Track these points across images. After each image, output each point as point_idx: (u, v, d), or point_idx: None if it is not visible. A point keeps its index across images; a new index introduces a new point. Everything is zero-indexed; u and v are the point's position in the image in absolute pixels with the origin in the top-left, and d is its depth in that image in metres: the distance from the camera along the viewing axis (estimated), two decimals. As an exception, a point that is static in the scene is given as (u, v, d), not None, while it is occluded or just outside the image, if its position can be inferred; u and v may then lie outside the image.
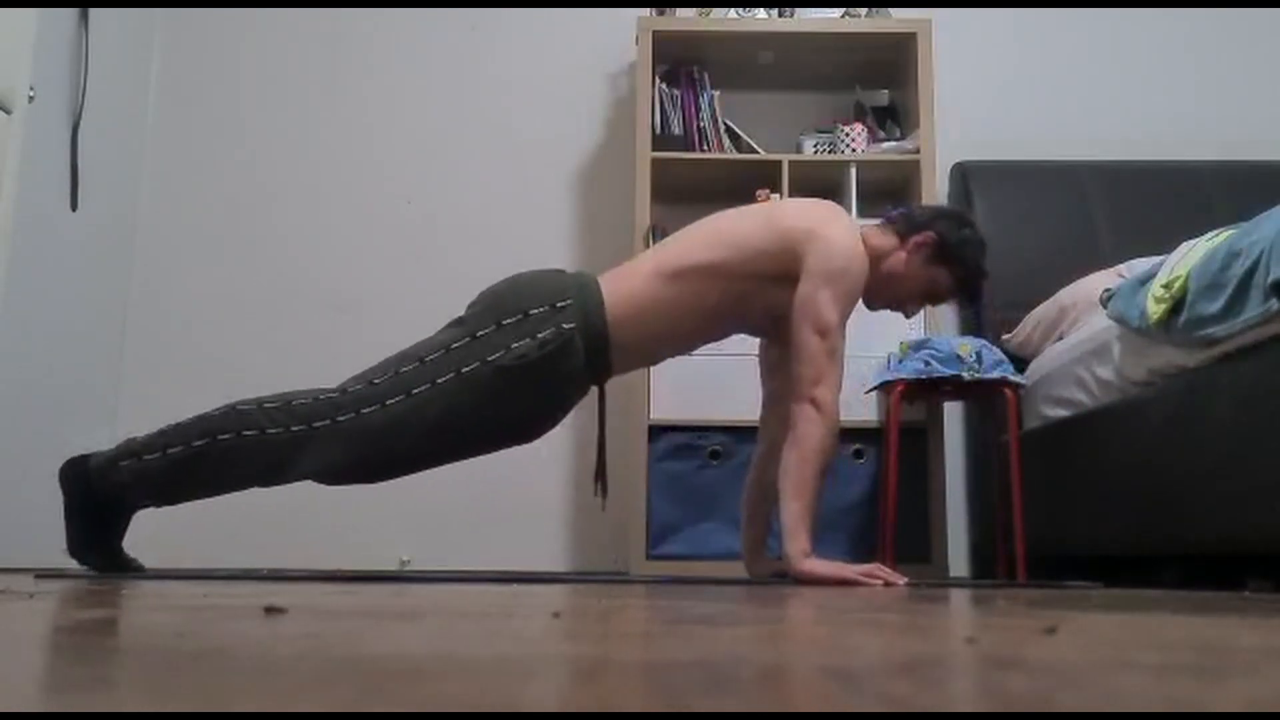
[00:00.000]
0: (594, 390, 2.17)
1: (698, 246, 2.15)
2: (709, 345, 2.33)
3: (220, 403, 2.06)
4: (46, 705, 0.39)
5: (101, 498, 2.01)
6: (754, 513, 2.38)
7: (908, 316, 2.36)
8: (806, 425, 2.05)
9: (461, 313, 2.11)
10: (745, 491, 2.41)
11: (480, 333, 2.01)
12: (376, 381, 2.00)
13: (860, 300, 2.19)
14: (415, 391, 1.98)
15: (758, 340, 2.38)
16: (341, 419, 1.97)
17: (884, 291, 2.25)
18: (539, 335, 2.00)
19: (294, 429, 1.97)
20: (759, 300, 2.14)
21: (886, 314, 2.54)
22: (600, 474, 2.28)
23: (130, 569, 2.07)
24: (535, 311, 2.02)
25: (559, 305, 2.03)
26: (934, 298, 2.32)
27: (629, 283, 2.12)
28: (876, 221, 2.33)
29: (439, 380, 1.98)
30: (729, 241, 2.14)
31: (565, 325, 2.01)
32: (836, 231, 2.12)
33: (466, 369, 1.98)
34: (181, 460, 1.97)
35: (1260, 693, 0.46)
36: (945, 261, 2.24)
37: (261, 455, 1.97)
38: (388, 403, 1.98)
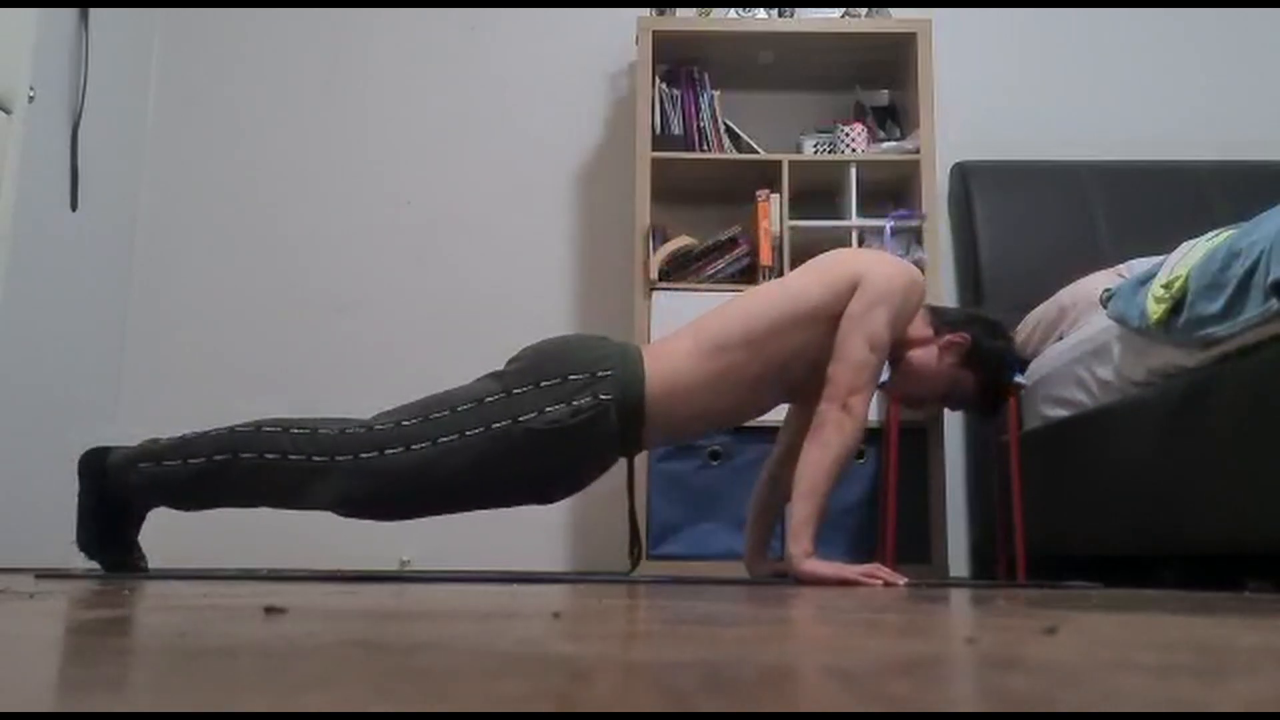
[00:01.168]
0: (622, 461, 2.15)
1: (740, 317, 2.12)
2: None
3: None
4: (47, 705, 0.39)
5: (114, 495, 2.01)
6: (761, 514, 2.38)
7: (923, 415, 2.35)
8: (835, 429, 2.03)
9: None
10: (755, 490, 2.40)
11: (516, 390, 1.99)
12: (405, 423, 1.99)
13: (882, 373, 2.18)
14: (442, 440, 1.96)
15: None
16: (365, 456, 1.96)
17: (906, 381, 2.25)
18: (575, 402, 1.97)
19: (316, 459, 1.96)
20: (805, 357, 2.09)
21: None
22: (634, 544, 2.25)
23: (135, 569, 2.07)
24: (575, 378, 1.99)
25: (599, 374, 2.01)
26: (953, 401, 2.31)
27: (671, 360, 2.08)
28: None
29: (467, 432, 1.97)
30: (782, 296, 2.12)
31: (603, 396, 1.98)
32: (895, 262, 2.16)
33: (497, 425, 1.96)
34: (200, 472, 1.97)
35: (1260, 693, 0.46)
36: (973, 368, 2.22)
37: (280, 479, 1.97)
38: (413, 447, 1.96)
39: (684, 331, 2.16)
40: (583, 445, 2.00)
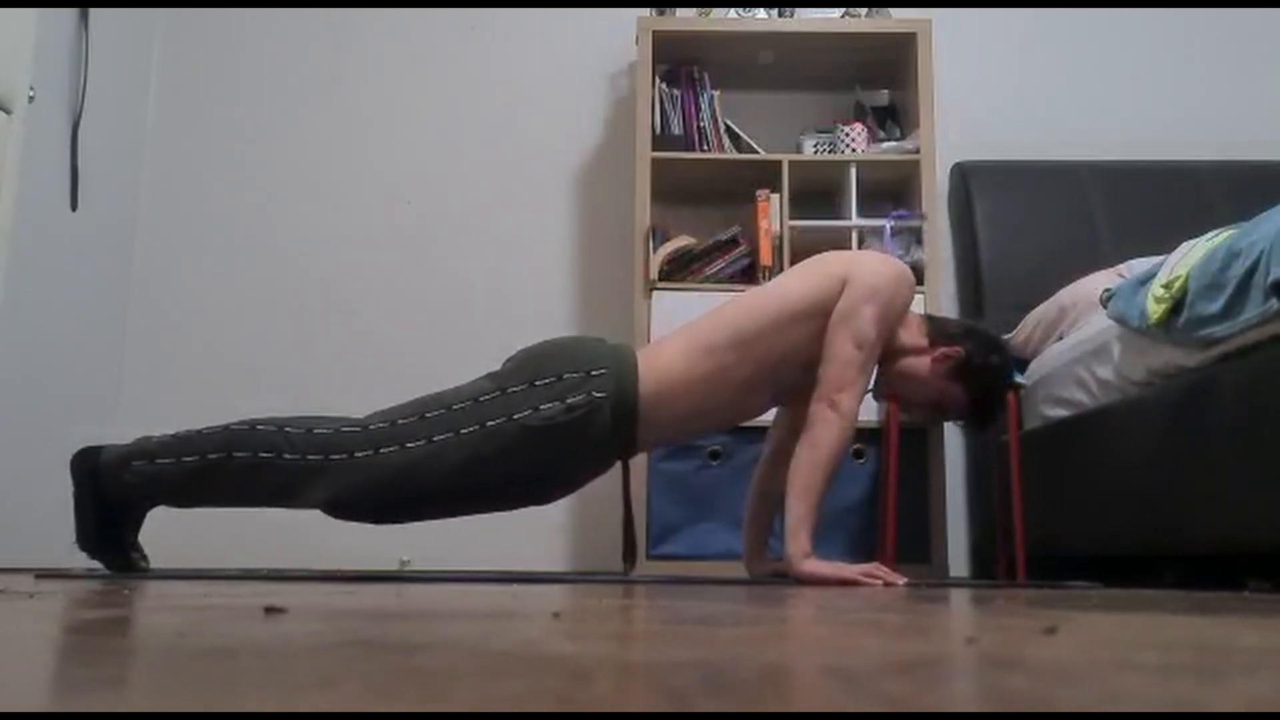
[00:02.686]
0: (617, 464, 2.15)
1: (731, 316, 2.13)
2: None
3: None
4: (47, 705, 0.39)
5: (110, 494, 2.01)
6: (757, 514, 2.38)
7: (917, 420, 2.35)
8: (824, 427, 2.04)
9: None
10: (750, 491, 2.40)
11: (511, 389, 2.00)
12: (400, 422, 1.99)
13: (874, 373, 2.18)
14: (437, 438, 1.96)
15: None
16: (359, 455, 1.96)
17: (895, 385, 2.24)
18: (569, 400, 1.98)
19: (310, 457, 1.96)
20: (797, 358, 2.10)
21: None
22: (628, 549, 2.25)
23: (135, 569, 2.07)
24: (569, 376, 2.00)
25: (593, 373, 2.01)
26: (942, 412, 2.31)
27: (664, 360, 2.09)
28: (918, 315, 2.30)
29: (462, 431, 1.97)
30: (770, 298, 2.13)
31: (596, 394, 1.99)
32: (883, 259, 2.17)
33: (491, 423, 1.97)
34: (194, 470, 1.97)
35: (1260, 693, 0.46)
36: (965, 381, 2.21)
37: (274, 478, 1.96)
38: (408, 445, 1.96)
39: (678, 333, 2.17)
40: (577, 443, 2.00)
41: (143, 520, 2.09)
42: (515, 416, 1.97)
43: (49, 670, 0.52)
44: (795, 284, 2.15)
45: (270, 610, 0.92)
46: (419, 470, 1.96)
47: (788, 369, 2.11)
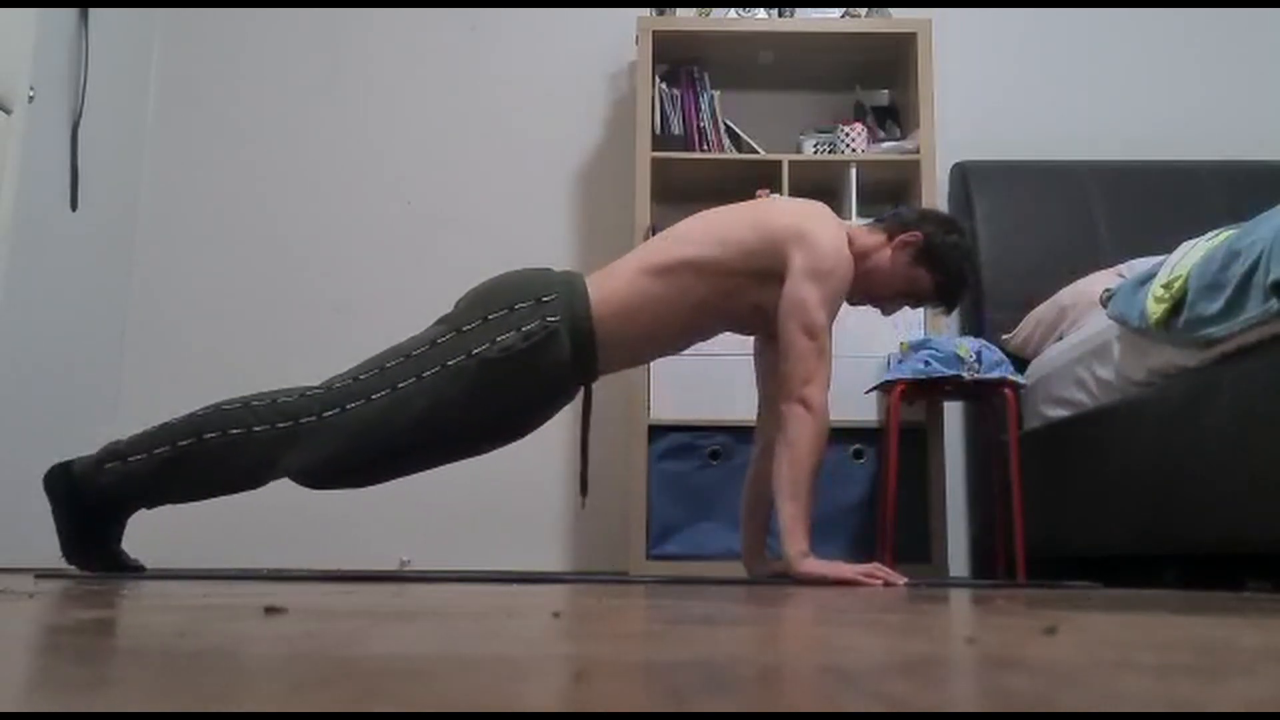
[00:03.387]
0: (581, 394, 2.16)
1: (683, 243, 2.15)
2: (706, 345, 2.33)
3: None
4: (47, 705, 0.39)
5: (89, 501, 2.00)
6: (752, 513, 2.38)
7: (885, 314, 2.36)
8: (798, 426, 2.05)
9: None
10: (743, 492, 2.41)
11: (466, 327, 2.02)
12: (362, 377, 2.01)
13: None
14: (400, 386, 1.98)
15: (752, 340, 2.38)
16: (327, 414, 1.97)
17: (864, 286, 2.24)
18: (524, 328, 2.00)
19: (280, 425, 1.97)
20: (746, 297, 2.14)
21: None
22: (583, 477, 2.26)
23: (128, 565, 2.07)
24: (521, 306, 2.03)
25: (544, 299, 2.04)
26: (913, 299, 2.30)
27: (615, 280, 2.12)
28: (867, 221, 2.33)
29: (424, 374, 1.99)
30: (716, 238, 2.15)
31: (550, 319, 2.02)
32: (823, 231, 2.13)
33: (452, 362, 1.99)
34: (167, 460, 1.97)
35: (1260, 693, 0.46)
36: (928, 264, 2.22)
37: (248, 453, 1.97)
38: (373, 397, 1.98)
39: (629, 255, 2.21)
40: (539, 369, 2.01)
41: (123, 529, 2.08)
42: (474, 352, 1.99)
43: (49, 670, 0.52)
44: (750, 229, 2.14)
45: (270, 610, 0.92)
46: (388, 420, 1.97)
47: (740, 301, 2.14)
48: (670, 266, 2.11)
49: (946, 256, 2.23)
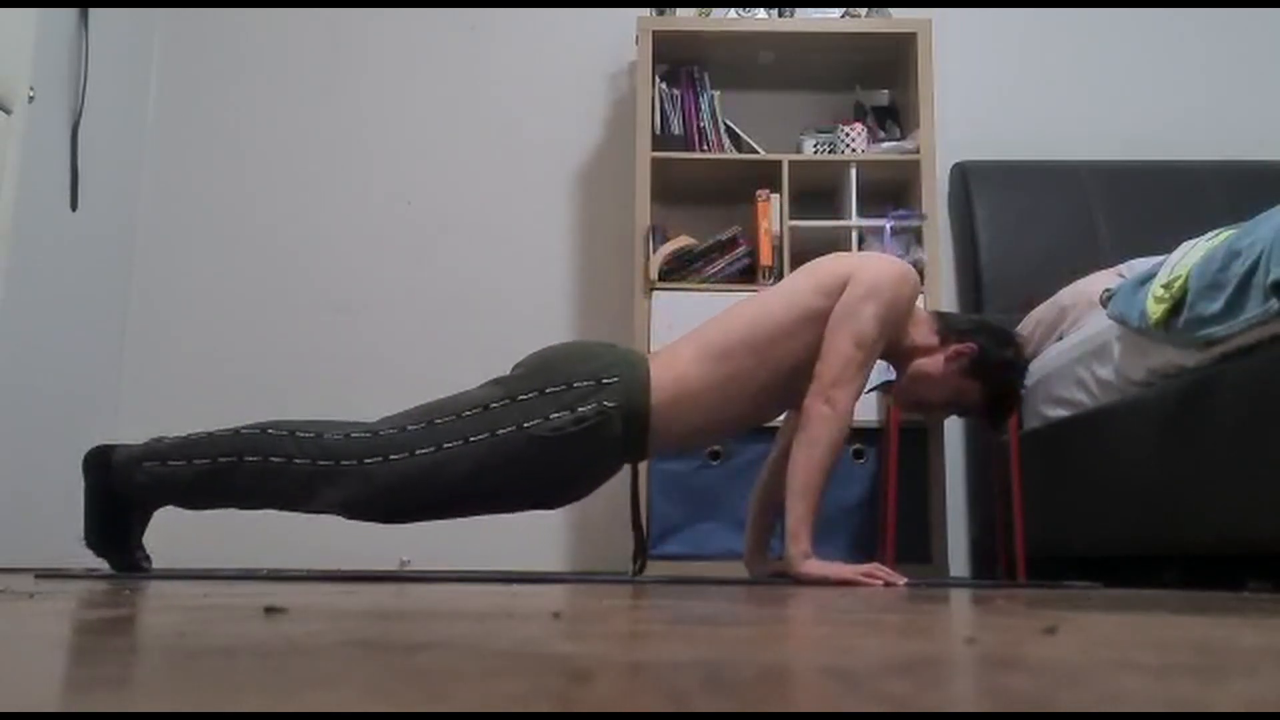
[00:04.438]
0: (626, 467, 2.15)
1: (742, 321, 2.12)
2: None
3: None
4: (48, 705, 0.39)
5: (121, 493, 2.01)
6: (760, 514, 2.38)
7: (928, 423, 2.33)
8: (820, 424, 2.02)
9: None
10: (755, 491, 2.40)
11: (521, 397, 1.99)
12: (410, 429, 1.99)
13: (888, 365, 2.19)
14: (446, 446, 1.96)
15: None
16: (369, 462, 1.96)
17: (912, 389, 2.22)
18: (579, 410, 1.97)
19: (321, 463, 1.96)
20: (810, 360, 2.07)
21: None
22: (639, 551, 2.23)
23: (138, 569, 2.07)
24: (580, 385, 2.00)
25: (604, 381, 2.00)
26: (960, 410, 2.29)
27: (676, 367, 2.07)
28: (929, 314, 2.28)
29: (471, 438, 1.97)
30: (780, 301, 2.11)
31: (607, 403, 1.98)
32: (886, 259, 2.15)
33: (501, 431, 1.96)
34: (205, 473, 1.97)
35: (1260, 693, 0.46)
36: (980, 378, 2.18)
37: (285, 483, 1.97)
38: (417, 452, 1.96)
39: (687, 339, 2.15)
40: (587, 453, 2.00)
41: (149, 521, 2.09)
42: (524, 425, 1.96)
43: (49, 670, 0.52)
44: (805, 284, 2.13)
45: (270, 610, 0.92)
46: (428, 478, 1.96)
47: (804, 371, 2.08)
48: (730, 349, 2.07)
49: (1001, 372, 2.20)
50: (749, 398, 2.10)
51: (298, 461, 1.96)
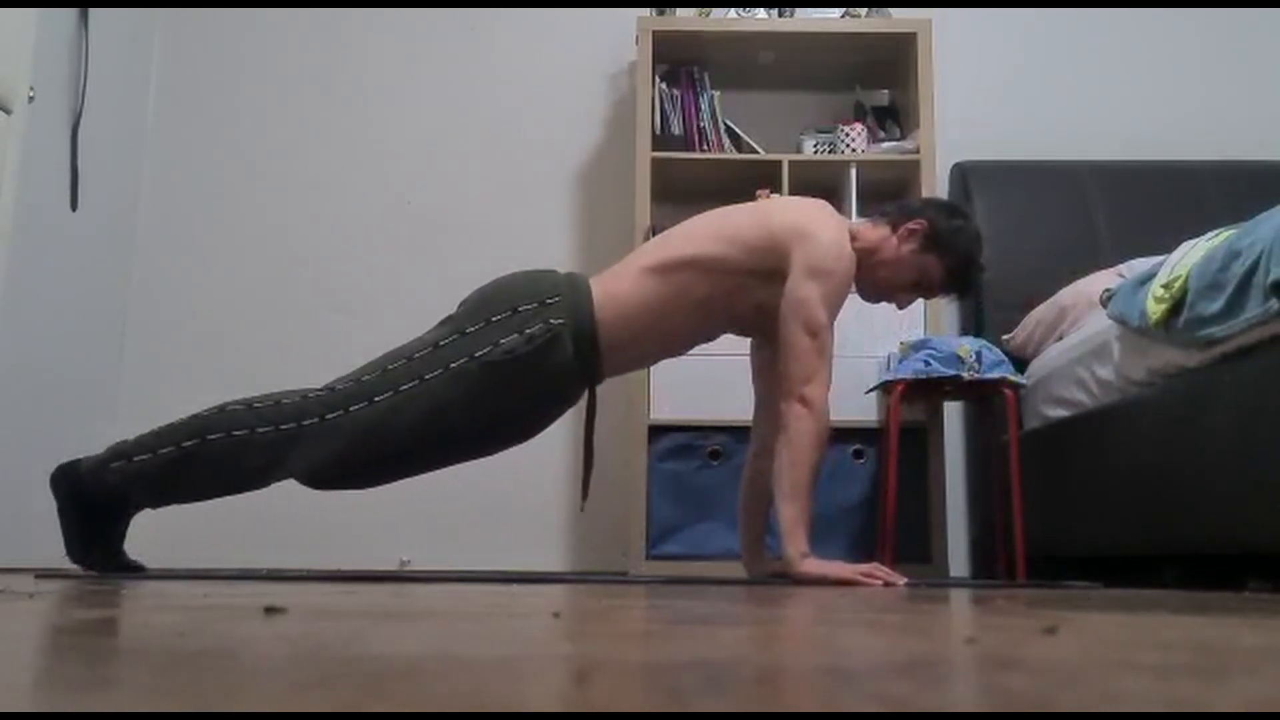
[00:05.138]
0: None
1: (686, 241, 2.15)
2: (707, 346, 2.33)
3: (218, 403, 2.06)
4: (47, 705, 0.39)
5: (95, 501, 2.01)
6: (750, 513, 2.38)
7: (900, 308, 2.32)
8: (798, 424, 2.04)
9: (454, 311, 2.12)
10: (741, 492, 2.40)
11: (469, 329, 2.02)
12: (365, 379, 2.01)
13: (852, 294, 2.19)
14: (404, 388, 1.98)
15: (749, 339, 2.37)
16: (330, 416, 1.97)
17: (875, 281, 2.23)
18: (527, 330, 2.00)
19: (283, 427, 1.97)
20: (749, 297, 2.13)
21: (888, 313, 2.54)
22: (585, 482, 2.26)
23: (130, 565, 2.07)
24: (524, 308, 2.03)
25: (547, 301, 2.04)
26: (925, 289, 2.27)
27: (619, 281, 2.12)
28: (866, 219, 2.31)
29: (427, 377, 1.99)
30: (718, 236, 2.14)
31: (553, 320, 2.01)
32: (825, 230, 2.12)
33: (455, 365, 1.99)
34: (172, 461, 1.97)
35: (1260, 693, 0.46)
36: (936, 250, 2.20)
37: (252, 455, 1.97)
38: (375, 399, 1.98)
39: (630, 258, 2.20)
40: (542, 372, 2.01)
41: (126, 529, 2.08)
42: (477, 355, 1.99)
43: (49, 670, 0.52)
44: (750, 233, 2.13)
45: (270, 610, 0.92)
46: (390, 422, 1.97)
47: (743, 299, 2.13)
48: (673, 264, 2.11)
49: (954, 240, 2.21)
50: (690, 312, 2.12)
51: (260, 430, 1.96)
